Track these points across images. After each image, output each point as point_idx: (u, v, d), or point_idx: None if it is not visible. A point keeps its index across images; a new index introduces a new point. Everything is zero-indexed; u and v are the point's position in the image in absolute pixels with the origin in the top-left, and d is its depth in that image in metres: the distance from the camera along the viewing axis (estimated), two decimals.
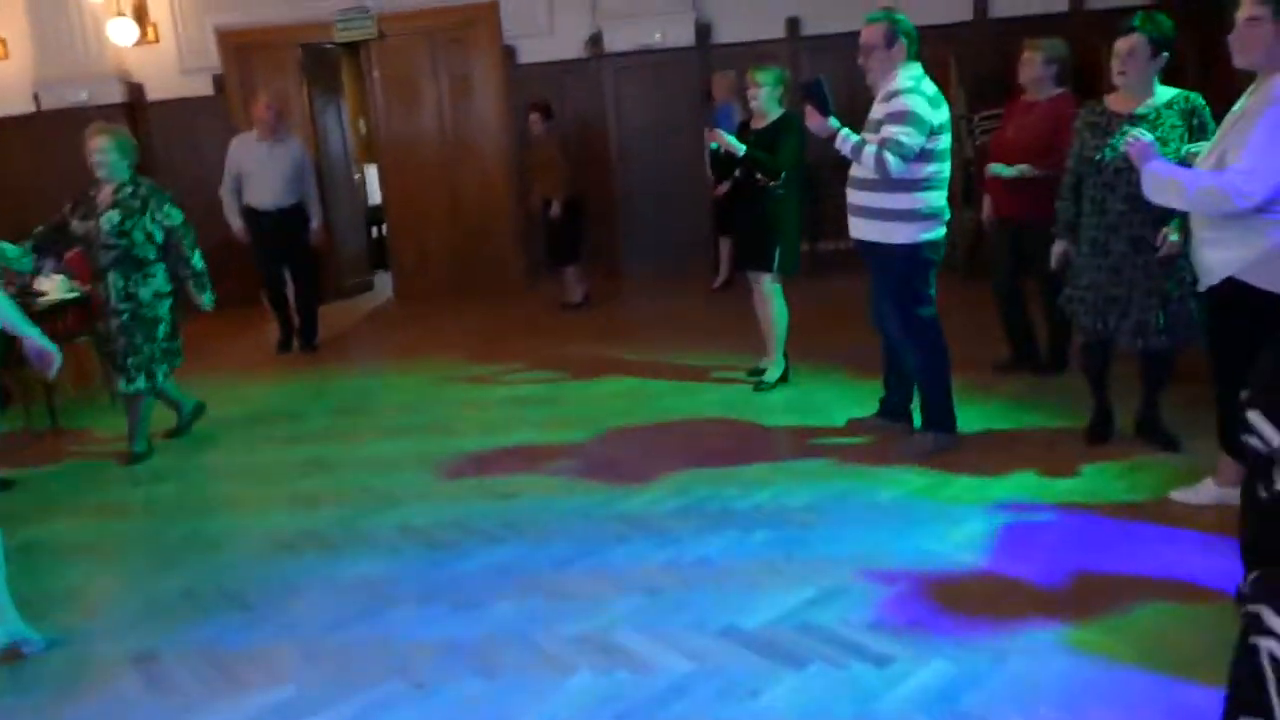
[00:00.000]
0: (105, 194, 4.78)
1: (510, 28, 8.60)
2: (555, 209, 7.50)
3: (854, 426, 4.49)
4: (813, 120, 3.98)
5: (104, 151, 4.76)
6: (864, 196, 4.02)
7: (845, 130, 3.94)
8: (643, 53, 8.37)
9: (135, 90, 8.95)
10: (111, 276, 4.78)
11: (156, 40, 8.86)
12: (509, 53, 8.64)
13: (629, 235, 8.70)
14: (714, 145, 5.04)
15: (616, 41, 8.39)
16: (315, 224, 7.17)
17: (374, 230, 10.26)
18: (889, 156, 3.78)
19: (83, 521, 4.21)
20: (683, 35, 8.35)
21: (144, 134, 8.94)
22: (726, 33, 8.40)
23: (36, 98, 8.88)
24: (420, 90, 8.86)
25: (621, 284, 8.56)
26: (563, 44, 8.59)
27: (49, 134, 8.66)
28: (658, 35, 8.35)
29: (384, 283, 9.68)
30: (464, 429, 5.00)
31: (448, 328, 7.64)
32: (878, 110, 3.94)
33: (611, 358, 6.10)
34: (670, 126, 8.33)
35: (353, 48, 9.12)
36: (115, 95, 8.82)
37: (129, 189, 4.84)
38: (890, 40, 3.87)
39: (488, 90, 8.72)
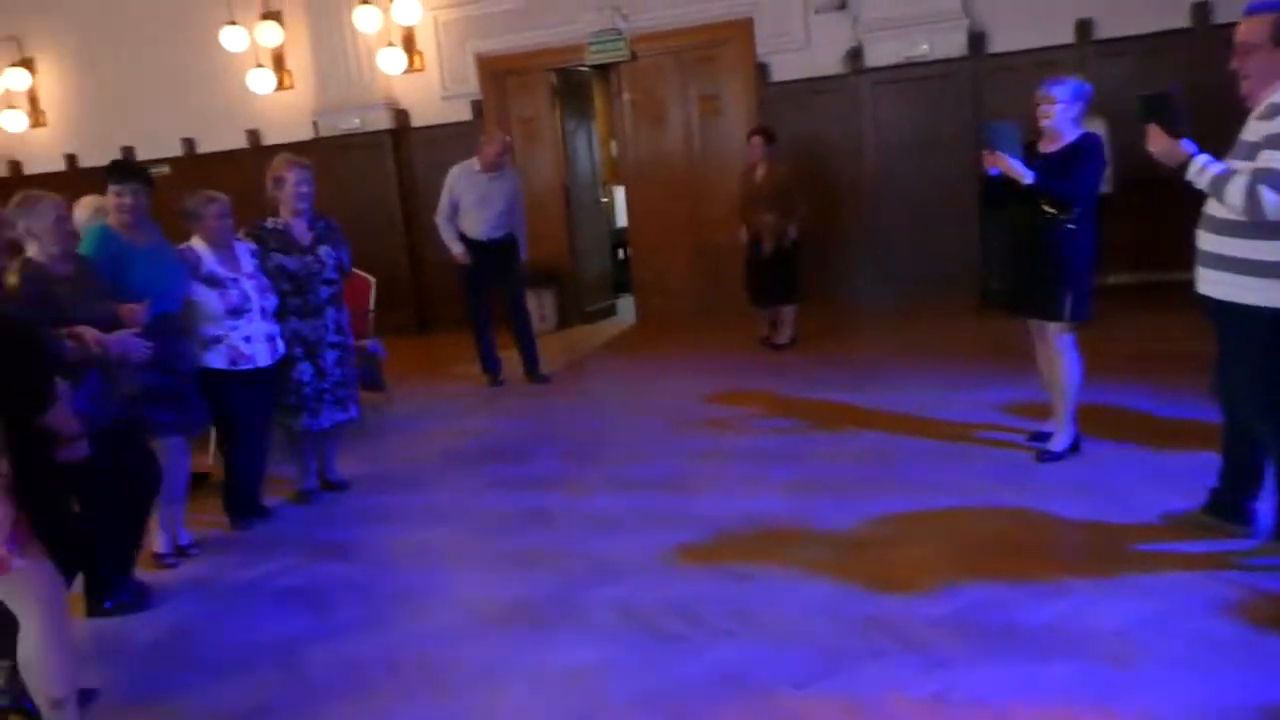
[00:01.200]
0: (301, 227, 4.70)
1: (764, 44, 8.14)
2: (770, 244, 7.00)
3: (1173, 522, 3.63)
4: (1158, 142, 3.19)
5: (309, 183, 4.70)
6: (1223, 243, 3.16)
7: (1203, 156, 3.13)
8: (907, 66, 7.65)
9: (401, 117, 9.26)
10: (330, 311, 4.73)
11: (422, 68, 9.12)
12: (761, 70, 8.18)
13: (872, 263, 7.98)
14: (993, 170, 4.30)
15: (879, 55, 7.72)
16: (524, 255, 7.05)
17: (620, 253, 10.11)
18: (1266, 193, 2.94)
19: (300, 562, 4.12)
20: (953, 45, 7.56)
21: (407, 159, 9.27)
22: (1003, 40, 7.53)
23: (315, 125, 9.38)
24: (668, 111, 8.60)
25: (859, 317, 7.88)
26: (819, 60, 8.03)
27: (324, 159, 9.12)
28: (925, 46, 7.61)
29: (627, 307, 9.48)
30: (696, 487, 4.55)
31: (686, 359, 7.28)
32: (1255, 130, 3.06)
33: (858, 407, 5.46)
34: (932, 145, 7.56)
35: (603, 70, 9.00)
36: (383, 122, 9.17)
37: (321, 223, 4.80)
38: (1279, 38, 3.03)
39: (736, 110, 8.31)
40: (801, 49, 8.07)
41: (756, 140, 7.07)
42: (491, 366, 7.04)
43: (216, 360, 4.29)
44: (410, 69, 9.06)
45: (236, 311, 4.29)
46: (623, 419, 5.92)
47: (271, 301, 4.45)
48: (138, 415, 3.75)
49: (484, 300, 6.95)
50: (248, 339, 4.33)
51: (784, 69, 8.14)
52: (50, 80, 10.25)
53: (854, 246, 8.04)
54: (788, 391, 5.98)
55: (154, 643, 3.52)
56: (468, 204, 6.81)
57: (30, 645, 2.63)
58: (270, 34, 9.14)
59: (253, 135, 9.64)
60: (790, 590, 3.40)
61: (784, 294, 7.15)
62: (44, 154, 10.27)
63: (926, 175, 7.64)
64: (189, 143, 9.84)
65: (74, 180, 9.27)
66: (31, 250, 3.46)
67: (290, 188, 4.66)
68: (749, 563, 3.65)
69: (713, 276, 8.45)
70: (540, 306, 8.57)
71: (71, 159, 10.23)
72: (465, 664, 3.13)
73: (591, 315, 9.27)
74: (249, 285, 4.36)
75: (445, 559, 4.10)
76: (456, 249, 6.84)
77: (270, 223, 4.69)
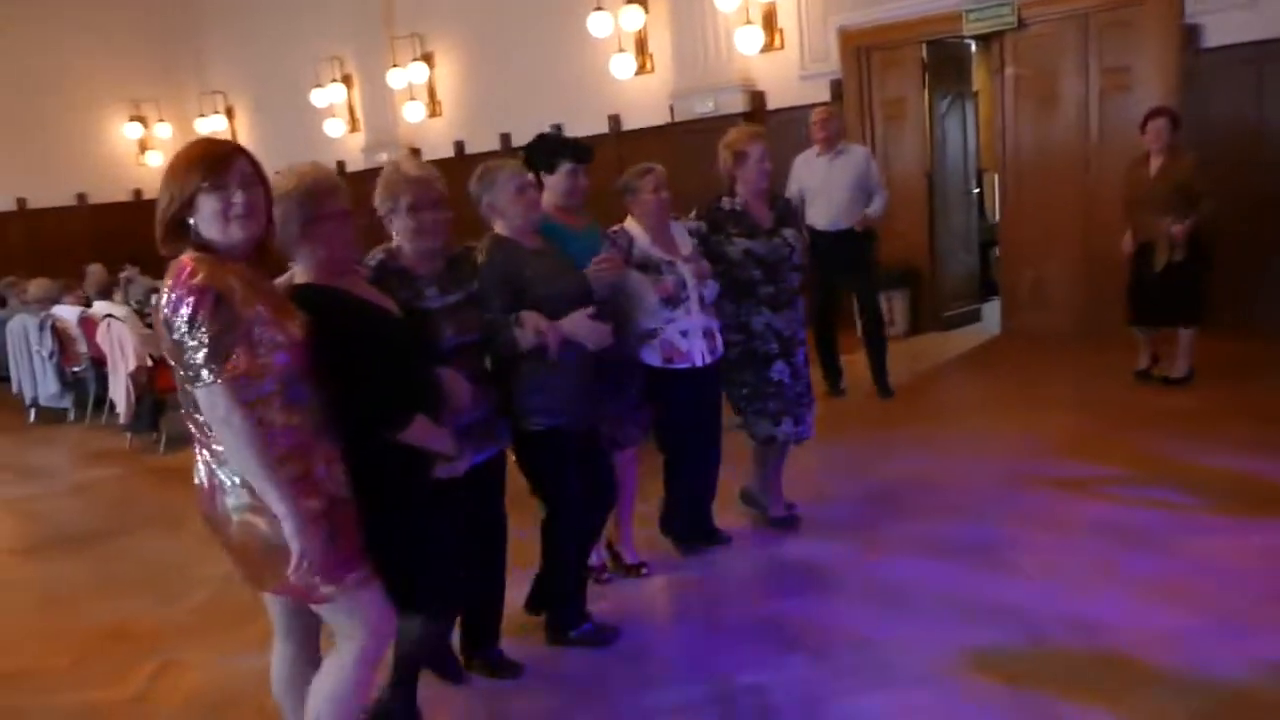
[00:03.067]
0: (761, 208, 3.99)
1: (1195, 1, 6.55)
2: (1165, 257, 5.53)
3: None
4: None
5: (769, 159, 3.94)
6: None
7: None
8: None
9: (757, 98, 8.76)
10: (800, 301, 4.05)
11: (781, 46, 8.55)
12: (1189, 34, 6.58)
13: None
14: None
15: None
16: (872, 215, 6.14)
17: (991, 252, 8.87)
18: None
19: None
20: None
21: None
22: None
23: (671, 109, 9.18)
24: (1060, 87, 7.25)
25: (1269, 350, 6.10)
26: (1275, 17, 6.29)
27: (678, 144, 8.91)
28: None
29: (993, 315, 8.27)
30: (1020, 566, 3.58)
31: (1049, 389, 6.06)
32: None
33: (1274, 482, 4.07)
34: None
35: (985, 40, 7.82)
36: (738, 105, 8.71)
37: (781, 202, 4.15)
38: None
39: (1149, 86, 6.76)
40: (1248, 5, 6.37)
41: (1158, 124, 5.61)
42: (832, 374, 6.36)
43: (650, 357, 3.67)
44: (769, 47, 8.53)
45: (673, 301, 3.65)
46: (953, 458, 4.93)
47: (711, 290, 3.78)
48: (598, 419, 3.34)
49: (832, 299, 6.30)
50: (684, 333, 3.68)
51: (1222, 31, 6.49)
52: (445, 72, 11.06)
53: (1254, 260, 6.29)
54: (1170, 449, 4.65)
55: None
56: (811, 192, 6.19)
57: (327, 675, 2.34)
58: (633, 17, 9.06)
59: (613, 120, 9.67)
60: None
61: (1178, 313, 5.62)
62: (439, 141, 11.11)
63: None
64: (557, 128, 10.08)
65: (461, 166, 9.92)
66: (498, 227, 3.14)
67: (754, 164, 3.92)
68: (1070, 699, 2.70)
69: (1098, 290, 6.99)
70: (890, 310, 7.67)
71: (459, 145, 10.95)
72: None
73: (949, 321, 8.18)
74: (686, 270, 3.69)
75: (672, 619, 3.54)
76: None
77: (726, 203, 3.98)
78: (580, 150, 3.45)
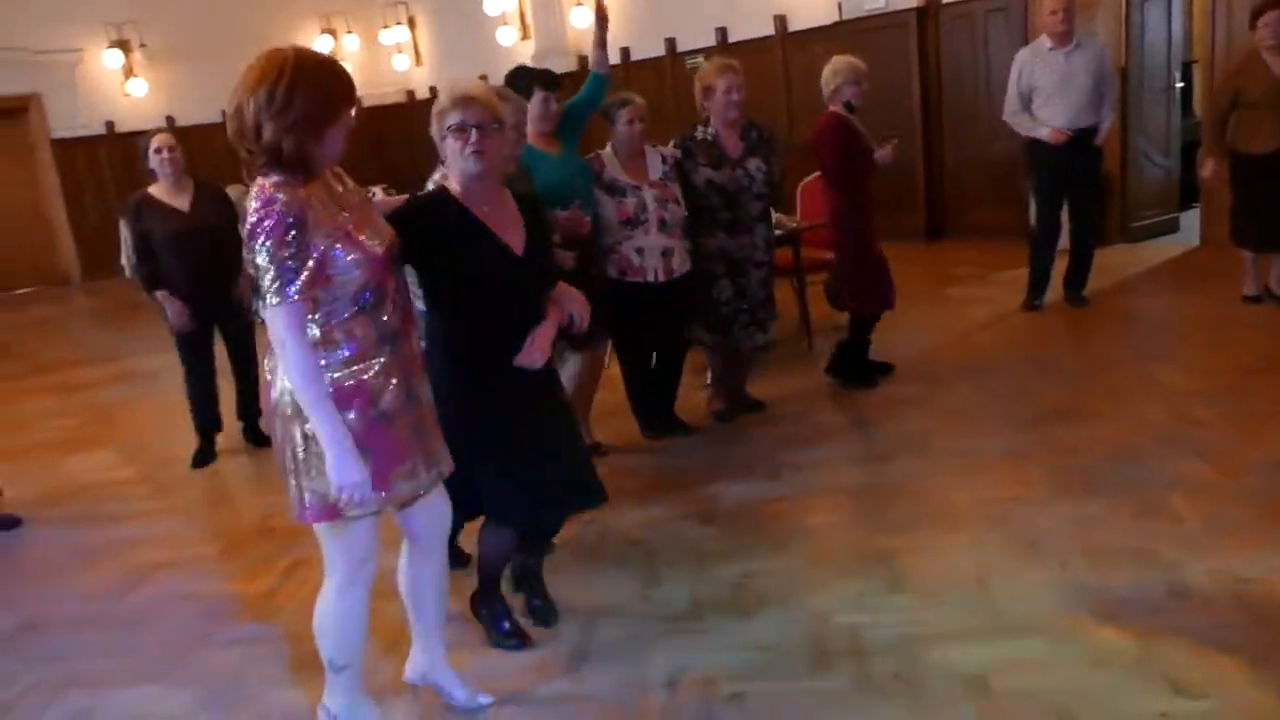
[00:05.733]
0: (732, 139, 4.25)
1: None
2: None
3: None
4: None
5: (740, 90, 4.22)
6: None
7: None
8: None
9: None
10: (760, 228, 4.34)
11: None
12: None
13: None
14: None
15: None
16: (1102, 135, 5.68)
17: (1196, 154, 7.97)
18: None
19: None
20: None
21: (934, 41, 8.20)
22: None
23: (840, 6, 8.67)
24: None
25: None
26: None
27: (846, 44, 8.37)
28: None
29: (1192, 225, 7.49)
30: (1178, 512, 3.26)
31: (1254, 309, 5.45)
32: None
33: None
34: None
35: None
36: (909, 0, 8.14)
37: (754, 132, 4.33)
38: None
39: None
40: None
41: (1271, 17, 5.17)
42: (1043, 283, 5.94)
43: (610, 270, 4.12)
44: None
45: (631, 222, 4.07)
46: (1126, 384, 4.55)
47: (674, 213, 4.13)
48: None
49: (1057, 210, 5.85)
50: (639, 250, 4.08)
51: None
52: None
53: None
54: None
55: None
56: (1047, 90, 5.66)
57: (319, 606, 2.38)
58: None
59: (780, 21, 9.22)
60: None
61: None
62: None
63: None
64: (721, 32, 9.75)
65: (625, 74, 9.78)
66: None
67: (720, 96, 4.24)
68: (1206, 659, 2.46)
69: None
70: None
71: (625, 52, 10.71)
72: None
73: (1138, 232, 7.47)
74: (649, 195, 4.09)
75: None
76: (1042, 132, 5.65)
77: (699, 133, 4.32)
78: (550, 79, 3.94)
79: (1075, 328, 5.61)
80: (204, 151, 14.02)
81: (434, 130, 2.56)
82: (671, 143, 4.36)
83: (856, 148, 4.51)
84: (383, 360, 2.22)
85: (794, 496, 3.75)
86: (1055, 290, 5.95)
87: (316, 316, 2.14)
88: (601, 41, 4.16)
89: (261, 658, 3.00)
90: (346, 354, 2.16)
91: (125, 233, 4.73)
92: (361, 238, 2.17)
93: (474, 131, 2.46)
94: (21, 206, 12.59)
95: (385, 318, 2.23)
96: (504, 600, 2.95)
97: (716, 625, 2.91)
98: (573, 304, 2.65)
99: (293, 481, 2.20)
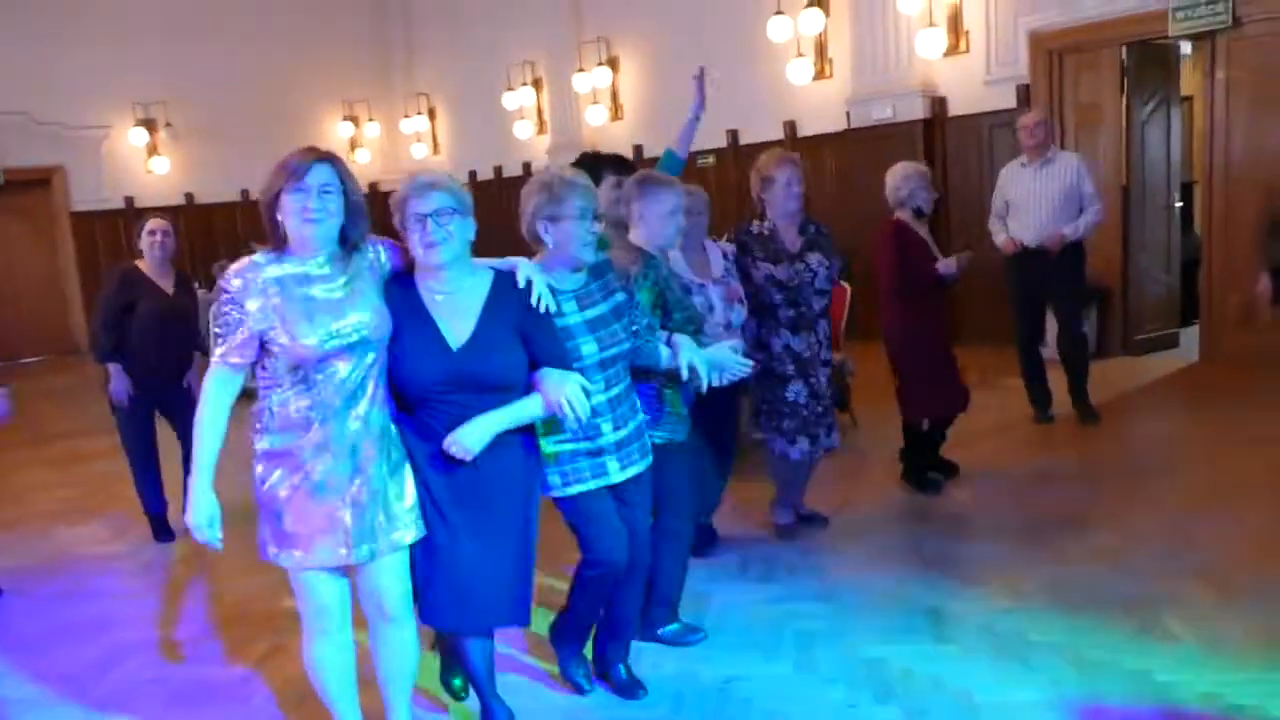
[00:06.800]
0: (790, 233, 4.11)
1: None
2: None
3: None
4: None
5: (801, 183, 4.05)
6: None
7: None
8: None
9: (937, 104, 8.38)
10: (823, 324, 4.16)
11: (966, 50, 8.12)
12: None
13: None
14: None
15: None
16: (1066, 237, 5.64)
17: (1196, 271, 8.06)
18: None
19: None
20: None
21: (940, 151, 8.38)
22: None
23: (848, 115, 8.90)
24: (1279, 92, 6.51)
25: None
26: None
27: (855, 151, 8.65)
28: None
29: (1192, 340, 7.54)
30: (1175, 632, 3.22)
31: (1257, 426, 5.45)
32: None
33: None
34: None
35: (1198, 40, 7.12)
36: (917, 110, 8.38)
37: (811, 227, 4.21)
38: None
39: None
40: None
41: None
42: (1041, 397, 5.92)
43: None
44: (953, 51, 8.11)
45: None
46: (1144, 493, 4.54)
47: (739, 315, 3.88)
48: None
49: (1036, 319, 5.94)
50: None
51: None
52: (629, 77, 11.17)
53: None
54: None
55: None
56: (1017, 203, 5.83)
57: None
58: (813, 21, 8.84)
59: (789, 126, 9.47)
60: None
61: None
62: (618, 145, 11.17)
63: None
64: (733, 134, 10.01)
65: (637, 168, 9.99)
66: (633, 235, 3.30)
67: (780, 189, 4.03)
68: None
69: None
70: None
71: (638, 149, 11.00)
72: None
73: (1141, 345, 7.52)
74: (714, 293, 3.81)
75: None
76: (1000, 239, 5.82)
77: (755, 226, 4.10)
78: (621, 163, 3.76)
79: (1076, 438, 5.60)
80: (224, 229, 14.22)
81: (395, 220, 2.48)
82: (725, 236, 4.21)
83: (915, 256, 4.41)
84: (320, 433, 2.35)
85: (787, 599, 3.71)
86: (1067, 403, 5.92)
87: (258, 383, 2.43)
88: (694, 120, 4.15)
89: None
90: (278, 423, 2.38)
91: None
92: (305, 330, 2.33)
93: (430, 221, 2.39)
94: (38, 275, 12.81)
95: (322, 395, 2.36)
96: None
97: None
98: (558, 391, 2.47)
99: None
